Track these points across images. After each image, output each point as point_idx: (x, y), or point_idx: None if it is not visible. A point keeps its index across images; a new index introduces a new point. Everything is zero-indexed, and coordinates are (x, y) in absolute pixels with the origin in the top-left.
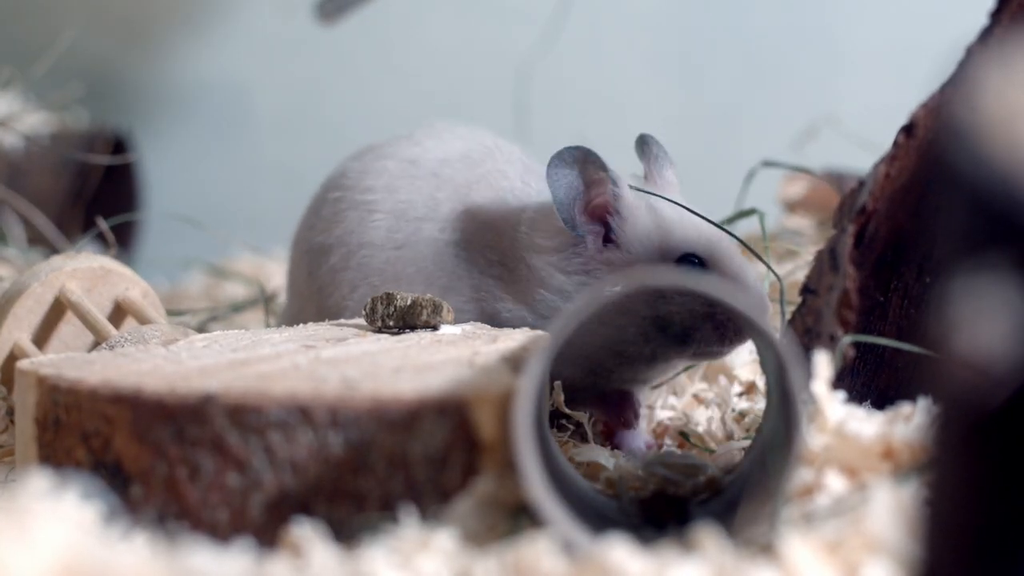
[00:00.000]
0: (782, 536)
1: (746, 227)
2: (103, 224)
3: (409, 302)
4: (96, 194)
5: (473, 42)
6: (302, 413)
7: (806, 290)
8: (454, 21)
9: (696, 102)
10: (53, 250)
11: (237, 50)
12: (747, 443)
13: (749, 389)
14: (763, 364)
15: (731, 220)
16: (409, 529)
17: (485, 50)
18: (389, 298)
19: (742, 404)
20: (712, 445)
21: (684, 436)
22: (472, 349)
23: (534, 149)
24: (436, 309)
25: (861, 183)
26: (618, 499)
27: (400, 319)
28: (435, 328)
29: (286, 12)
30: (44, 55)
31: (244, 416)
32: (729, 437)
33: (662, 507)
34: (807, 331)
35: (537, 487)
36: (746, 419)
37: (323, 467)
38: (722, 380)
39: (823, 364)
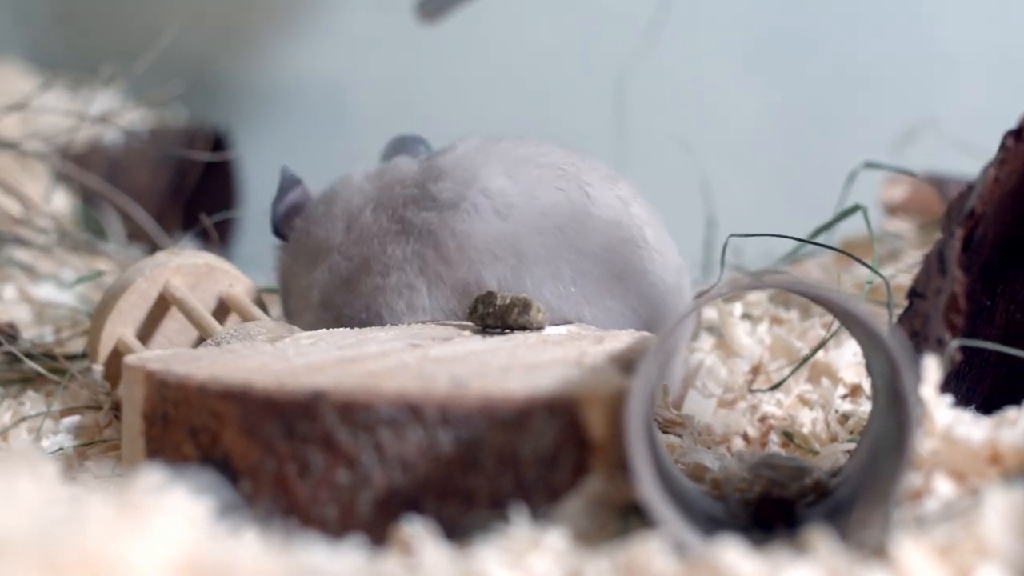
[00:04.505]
0: (895, 539)
1: (844, 229)
2: (206, 221)
3: (508, 301)
4: (194, 191)
5: (573, 43)
6: (412, 411)
7: (913, 293)
8: (554, 22)
9: (793, 104)
10: (152, 245)
11: (334, 48)
12: (851, 446)
13: (853, 391)
14: (869, 367)
15: (835, 220)
16: (520, 528)
17: (584, 51)
18: (490, 297)
19: (846, 406)
20: (816, 447)
21: (788, 437)
22: (579, 349)
23: (632, 150)
24: (525, 308)
25: (970, 187)
26: (724, 500)
27: (499, 318)
28: (526, 327)
29: (384, 10)
30: (145, 53)
31: (354, 413)
32: (833, 439)
33: (770, 509)
34: (914, 334)
35: (649, 488)
36: (850, 421)
37: (433, 465)
38: (825, 382)
39: (932, 368)
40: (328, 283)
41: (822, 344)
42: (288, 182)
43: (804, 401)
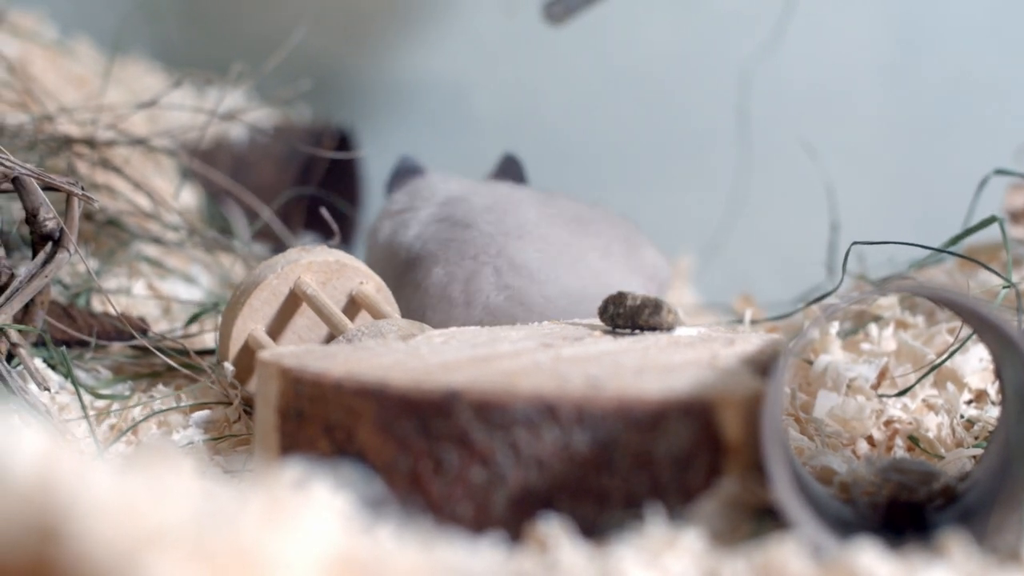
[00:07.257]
0: None
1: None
2: (328, 216)
3: (639, 302)
4: (318, 188)
5: (696, 44)
6: (548, 411)
7: None
8: (678, 24)
9: (917, 109)
10: (276, 242)
11: (459, 49)
12: (978, 451)
13: (979, 397)
14: (1000, 373)
15: (971, 231)
16: (656, 528)
17: (708, 53)
18: (620, 298)
19: (971, 412)
20: (942, 451)
21: (914, 441)
22: (711, 351)
23: (754, 153)
24: (656, 309)
25: None
26: (852, 503)
27: (629, 319)
28: (656, 328)
29: (509, 12)
30: (272, 53)
31: (490, 412)
32: (959, 444)
33: (899, 513)
34: None
35: (785, 490)
36: (975, 427)
37: (568, 465)
38: (950, 387)
39: None
40: None
41: (955, 350)
42: (402, 171)
43: (929, 406)
